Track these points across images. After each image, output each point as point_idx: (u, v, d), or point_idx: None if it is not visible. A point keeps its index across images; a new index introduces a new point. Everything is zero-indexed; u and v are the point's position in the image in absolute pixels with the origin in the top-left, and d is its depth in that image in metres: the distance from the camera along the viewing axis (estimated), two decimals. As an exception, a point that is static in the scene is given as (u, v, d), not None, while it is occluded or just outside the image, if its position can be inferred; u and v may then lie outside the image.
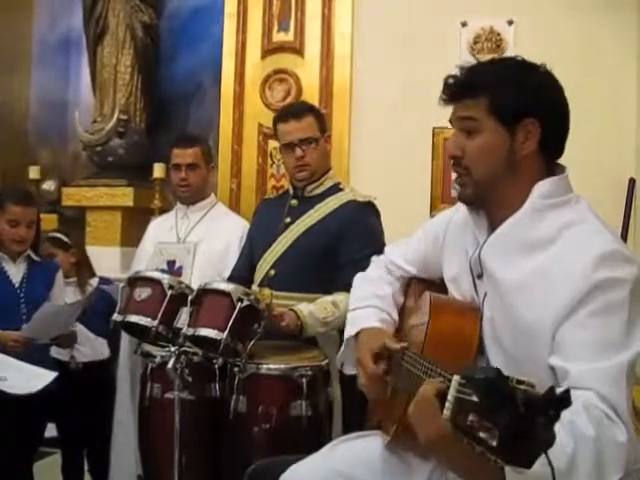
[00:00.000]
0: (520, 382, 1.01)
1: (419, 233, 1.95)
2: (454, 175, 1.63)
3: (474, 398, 1.04)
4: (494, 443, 0.99)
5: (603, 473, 1.25)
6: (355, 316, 1.92)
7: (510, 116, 1.52)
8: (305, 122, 2.80)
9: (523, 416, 0.97)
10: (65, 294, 3.20)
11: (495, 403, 1.00)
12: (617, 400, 1.32)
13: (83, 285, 3.36)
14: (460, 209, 1.73)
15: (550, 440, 0.99)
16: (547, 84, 1.57)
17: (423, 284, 1.92)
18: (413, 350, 1.64)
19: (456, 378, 1.11)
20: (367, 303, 1.92)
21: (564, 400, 0.99)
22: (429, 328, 1.59)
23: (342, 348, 1.96)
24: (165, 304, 2.43)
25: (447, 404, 1.11)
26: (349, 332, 1.89)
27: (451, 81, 1.58)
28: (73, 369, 3.21)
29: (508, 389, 1.00)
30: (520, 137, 1.52)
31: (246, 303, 2.35)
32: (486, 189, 1.56)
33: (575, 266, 1.41)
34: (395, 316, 1.91)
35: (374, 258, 2.09)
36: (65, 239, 3.43)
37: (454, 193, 1.69)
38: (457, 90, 1.56)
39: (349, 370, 1.99)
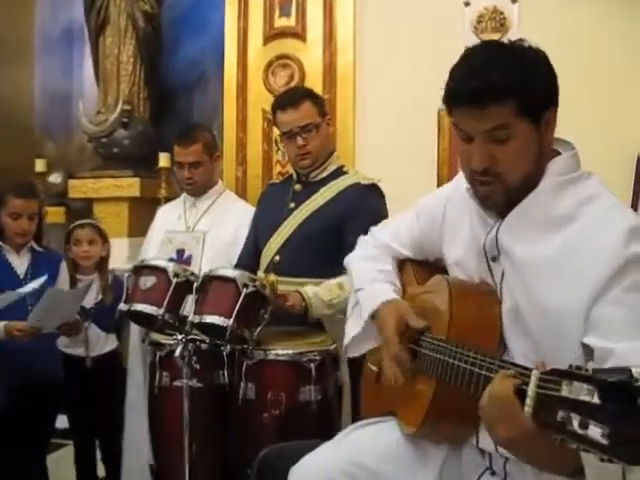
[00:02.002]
0: (637, 379, 0.96)
1: (411, 215, 1.90)
2: (477, 185, 1.53)
3: (563, 393, 1.01)
4: (604, 441, 0.95)
5: None
6: (367, 294, 1.85)
7: (538, 111, 1.46)
8: (303, 109, 2.78)
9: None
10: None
11: (614, 402, 0.95)
12: None
13: (105, 282, 3.27)
14: (458, 189, 1.68)
15: None
16: (552, 68, 1.52)
17: (420, 266, 1.88)
18: (433, 336, 1.60)
19: (535, 373, 1.08)
20: (374, 278, 1.86)
21: None
22: (452, 315, 1.55)
23: (352, 331, 1.89)
24: (170, 292, 2.42)
25: (528, 400, 1.09)
26: (367, 311, 1.81)
27: (468, 85, 1.43)
28: (89, 367, 3.19)
29: (632, 388, 0.95)
30: (543, 128, 1.48)
31: (252, 289, 2.34)
32: (517, 190, 1.49)
33: (603, 242, 1.38)
34: (400, 287, 1.86)
35: (361, 239, 2.05)
36: (104, 230, 3.40)
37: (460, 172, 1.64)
38: (481, 96, 1.42)
39: (354, 352, 1.95)
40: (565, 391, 1.01)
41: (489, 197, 1.53)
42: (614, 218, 1.42)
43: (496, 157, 1.47)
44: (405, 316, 1.70)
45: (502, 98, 1.42)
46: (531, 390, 1.09)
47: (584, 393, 0.99)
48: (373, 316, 1.80)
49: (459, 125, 1.50)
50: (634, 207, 3.58)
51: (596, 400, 0.98)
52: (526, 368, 1.14)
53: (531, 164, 1.49)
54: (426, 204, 1.86)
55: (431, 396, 1.55)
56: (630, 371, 0.98)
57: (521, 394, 1.12)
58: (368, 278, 1.88)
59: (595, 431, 0.96)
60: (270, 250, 2.81)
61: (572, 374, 1.03)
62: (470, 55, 1.51)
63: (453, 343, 1.48)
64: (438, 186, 3.95)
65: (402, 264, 1.94)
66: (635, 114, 3.78)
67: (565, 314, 1.40)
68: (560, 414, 1.01)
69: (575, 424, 0.98)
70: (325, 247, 2.66)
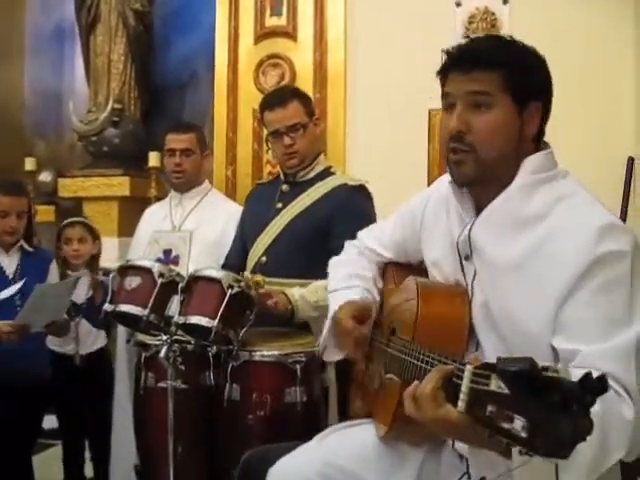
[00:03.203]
0: (545, 369, 0.97)
1: (394, 217, 1.92)
2: (450, 153, 1.53)
3: (492, 388, 1.01)
4: (524, 434, 0.95)
5: (607, 448, 1.22)
6: (337, 295, 1.87)
7: (523, 95, 1.48)
8: (291, 108, 2.76)
9: (556, 405, 0.93)
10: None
11: (525, 393, 0.96)
12: (626, 378, 1.30)
13: (96, 280, 3.24)
14: (439, 190, 1.69)
15: (588, 427, 0.95)
16: (549, 71, 1.54)
17: (401, 269, 1.88)
18: (400, 337, 1.61)
19: (469, 368, 1.08)
20: (348, 284, 1.88)
21: (601, 386, 0.95)
22: (418, 315, 1.55)
23: (324, 332, 1.91)
24: (155, 293, 2.40)
25: (461, 395, 1.08)
26: (331, 312, 1.85)
27: (461, 50, 1.51)
28: (79, 365, 3.18)
29: (540, 378, 0.96)
30: (526, 119, 1.49)
31: (237, 290, 2.33)
32: (490, 169, 1.49)
33: (575, 239, 1.37)
34: (377, 297, 1.87)
35: (347, 243, 2.06)
36: (95, 228, 3.39)
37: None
38: (470, 59, 1.48)
39: (330, 357, 1.96)
40: (494, 385, 1.01)
41: (460, 165, 1.52)
42: (587, 215, 1.42)
43: (472, 124, 1.48)
44: (367, 307, 1.74)
45: (490, 65, 1.46)
46: (464, 385, 1.08)
47: (504, 386, 0.99)
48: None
49: (446, 89, 1.53)
50: (624, 209, 3.58)
51: (507, 391, 0.98)
52: (463, 364, 1.14)
53: (506, 145, 1.49)
54: (408, 206, 1.87)
55: (398, 395, 1.53)
56: (532, 360, 0.98)
57: (455, 389, 1.11)
58: (340, 283, 1.90)
59: (518, 424, 0.96)
60: (257, 250, 2.80)
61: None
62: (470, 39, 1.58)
63: (414, 342, 1.48)
64: (428, 186, 3.97)
65: (385, 268, 1.94)
66: (626, 116, 3.78)
67: (532, 318, 1.40)
68: (489, 408, 1.00)
69: (502, 418, 0.98)
70: (312, 248, 2.65)
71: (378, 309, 1.84)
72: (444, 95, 1.54)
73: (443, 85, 1.55)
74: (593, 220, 1.39)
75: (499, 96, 1.46)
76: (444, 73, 1.54)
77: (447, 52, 1.54)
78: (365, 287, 1.86)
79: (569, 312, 1.36)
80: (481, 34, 3.96)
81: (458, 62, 1.50)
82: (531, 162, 1.50)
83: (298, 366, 2.41)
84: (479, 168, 1.49)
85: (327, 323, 1.90)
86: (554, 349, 1.37)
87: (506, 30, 3.94)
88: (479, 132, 1.47)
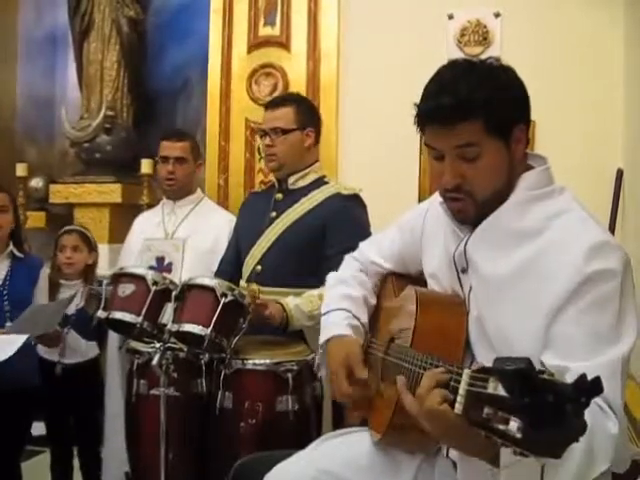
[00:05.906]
0: (541, 372, 0.99)
1: (394, 228, 1.93)
2: (449, 201, 1.55)
3: (489, 390, 1.03)
4: (518, 435, 0.97)
5: (593, 461, 1.24)
6: (327, 321, 1.90)
7: (507, 129, 1.47)
8: (280, 112, 2.79)
9: (551, 405, 0.95)
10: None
11: (521, 393, 0.97)
12: (612, 395, 1.31)
13: (89, 291, 3.20)
14: (436, 202, 1.69)
15: (582, 427, 0.97)
16: (522, 85, 1.53)
17: (401, 279, 1.89)
18: (399, 344, 1.62)
19: (467, 372, 1.10)
20: (338, 306, 1.89)
21: (595, 387, 0.97)
22: (417, 324, 1.56)
23: (319, 353, 1.93)
24: (149, 300, 2.42)
25: (459, 398, 1.10)
26: (322, 338, 1.88)
27: (438, 102, 1.45)
28: (57, 374, 3.16)
29: (536, 379, 0.98)
30: (513, 144, 1.49)
31: (230, 298, 2.35)
32: (489, 204, 1.51)
33: (566, 258, 1.39)
34: (365, 320, 1.89)
35: (347, 256, 2.06)
36: (92, 238, 3.36)
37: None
38: (450, 114, 1.43)
39: (323, 373, 1.97)
40: (491, 388, 1.03)
41: (460, 212, 1.55)
42: (579, 233, 1.42)
43: (466, 175, 1.48)
44: (350, 361, 1.74)
45: (470, 115, 1.43)
46: (462, 388, 1.10)
47: (501, 388, 1.01)
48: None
49: (430, 143, 1.51)
50: (613, 221, 3.61)
51: (504, 393, 1.00)
52: (460, 367, 1.16)
53: (501, 180, 1.50)
54: (408, 217, 1.88)
55: (395, 402, 1.55)
56: (529, 360, 1.00)
57: (454, 393, 1.14)
58: (333, 303, 1.92)
59: (513, 425, 0.98)
60: (252, 259, 2.81)
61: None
62: (439, 75, 1.52)
63: (413, 349, 1.50)
64: (419, 196, 4.01)
65: (385, 278, 1.95)
66: (613, 129, 3.81)
67: (523, 334, 1.42)
68: (486, 411, 1.02)
69: (498, 420, 1.00)
70: (307, 257, 2.67)
71: (368, 336, 1.86)
72: (427, 145, 1.52)
73: (422, 131, 1.52)
74: (585, 238, 1.40)
75: (485, 141, 1.45)
76: (422, 126, 1.51)
77: (420, 106, 1.50)
78: (353, 312, 1.87)
79: (558, 329, 1.37)
80: (473, 47, 4.00)
81: (437, 116, 1.46)
82: (527, 179, 1.51)
83: (290, 375, 2.43)
84: (479, 209, 1.51)
85: (319, 348, 1.92)
86: (544, 365, 1.38)
87: (497, 43, 3.98)
88: (474, 180, 1.48)
